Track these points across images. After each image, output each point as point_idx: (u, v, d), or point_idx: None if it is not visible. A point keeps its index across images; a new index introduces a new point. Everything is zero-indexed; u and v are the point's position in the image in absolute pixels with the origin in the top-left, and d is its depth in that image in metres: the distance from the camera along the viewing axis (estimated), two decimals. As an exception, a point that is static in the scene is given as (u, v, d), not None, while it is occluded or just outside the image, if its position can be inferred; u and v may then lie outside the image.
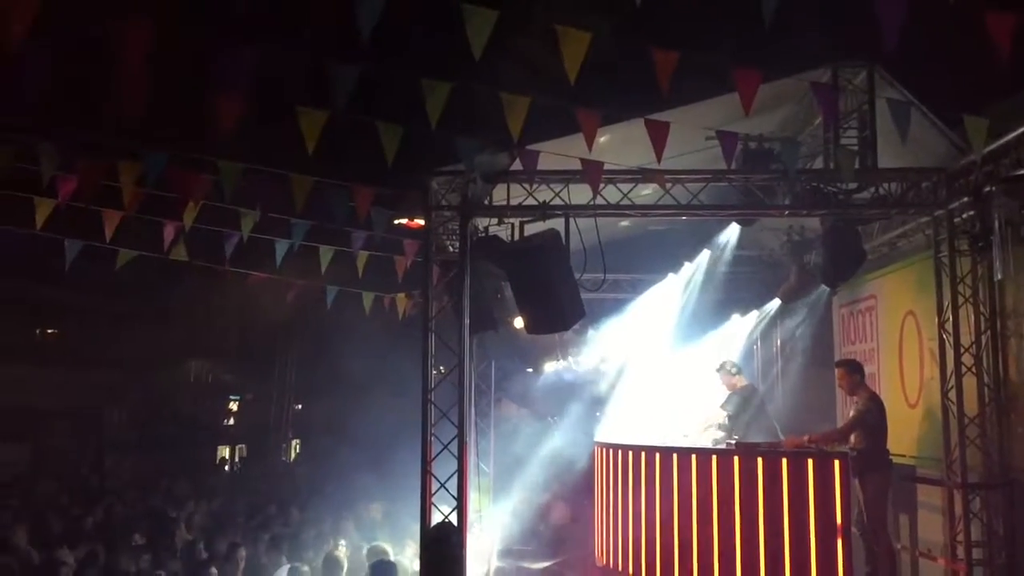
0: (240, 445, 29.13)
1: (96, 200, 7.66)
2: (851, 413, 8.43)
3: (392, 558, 8.68)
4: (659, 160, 6.37)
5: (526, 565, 10.36)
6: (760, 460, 8.37)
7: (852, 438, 8.43)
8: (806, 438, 8.68)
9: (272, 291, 10.20)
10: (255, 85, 5.51)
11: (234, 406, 30.62)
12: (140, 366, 23.88)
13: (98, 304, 23.54)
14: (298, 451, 29.71)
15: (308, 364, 27.15)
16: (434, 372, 7.84)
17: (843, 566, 8.00)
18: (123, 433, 24.98)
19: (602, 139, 6.46)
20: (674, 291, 11.59)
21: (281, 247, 9.04)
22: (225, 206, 7.88)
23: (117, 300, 21.58)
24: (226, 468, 26.34)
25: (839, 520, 8.05)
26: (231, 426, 30.09)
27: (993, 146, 6.64)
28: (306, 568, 8.76)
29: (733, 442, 9.47)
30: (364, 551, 9.30)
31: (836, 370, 8.94)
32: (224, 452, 28.21)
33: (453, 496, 7.47)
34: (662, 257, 11.69)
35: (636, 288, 12.05)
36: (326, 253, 9.44)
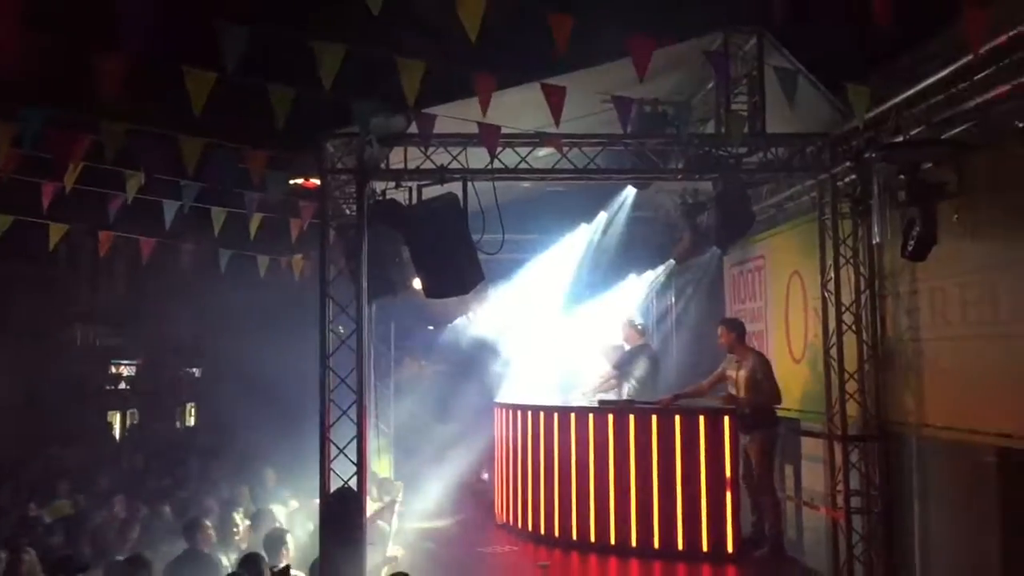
0: (131, 410, 28.24)
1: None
2: (736, 372, 8.61)
3: (279, 520, 8.62)
4: (556, 124, 6.40)
5: (427, 524, 10.46)
6: (655, 418, 8.64)
7: (742, 396, 8.62)
8: (670, 396, 9.03)
9: (163, 254, 9.89)
10: (141, 44, 5.27)
11: (125, 371, 29.63)
12: (23, 331, 22.79)
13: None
14: (194, 415, 29.04)
15: (203, 327, 26.43)
16: (332, 336, 7.75)
17: (731, 516, 8.38)
18: (7, 399, 23.90)
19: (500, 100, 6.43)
20: (572, 251, 11.73)
21: (170, 209, 8.74)
22: (108, 168, 7.56)
23: (-2, 264, 20.51)
24: (115, 434, 25.51)
25: (728, 473, 8.41)
26: (122, 391, 29.12)
27: (874, 113, 6.88)
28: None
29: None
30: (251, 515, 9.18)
31: (718, 328, 9.11)
32: (115, 418, 27.32)
33: (352, 461, 7.45)
34: (560, 218, 11.79)
35: (535, 248, 12.12)
36: (219, 215, 9.18)
